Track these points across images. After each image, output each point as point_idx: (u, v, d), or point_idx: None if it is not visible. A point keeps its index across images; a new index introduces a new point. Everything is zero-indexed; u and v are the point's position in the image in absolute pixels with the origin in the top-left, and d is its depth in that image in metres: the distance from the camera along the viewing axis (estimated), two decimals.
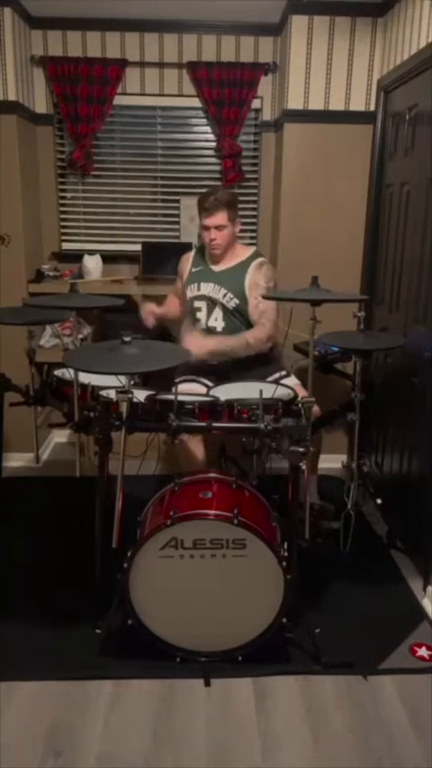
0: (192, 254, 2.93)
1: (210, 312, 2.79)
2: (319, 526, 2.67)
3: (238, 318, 2.77)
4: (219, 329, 2.79)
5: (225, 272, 2.79)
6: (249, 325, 2.78)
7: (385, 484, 3.03)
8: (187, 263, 2.90)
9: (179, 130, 3.62)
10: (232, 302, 2.74)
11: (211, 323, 2.80)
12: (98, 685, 1.98)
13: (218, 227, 2.69)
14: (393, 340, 2.66)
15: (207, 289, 2.78)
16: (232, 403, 2.12)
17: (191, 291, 2.82)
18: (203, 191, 3.35)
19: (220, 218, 2.68)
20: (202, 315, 2.81)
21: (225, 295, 2.74)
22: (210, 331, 2.80)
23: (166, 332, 3.09)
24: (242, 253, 2.83)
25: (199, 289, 2.80)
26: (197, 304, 2.81)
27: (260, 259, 2.81)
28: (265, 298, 2.68)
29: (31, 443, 2.77)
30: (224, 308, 2.76)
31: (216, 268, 2.80)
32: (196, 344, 2.56)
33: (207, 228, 2.71)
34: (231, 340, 2.67)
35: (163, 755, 1.75)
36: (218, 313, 2.78)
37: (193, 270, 2.85)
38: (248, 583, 1.99)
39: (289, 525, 2.08)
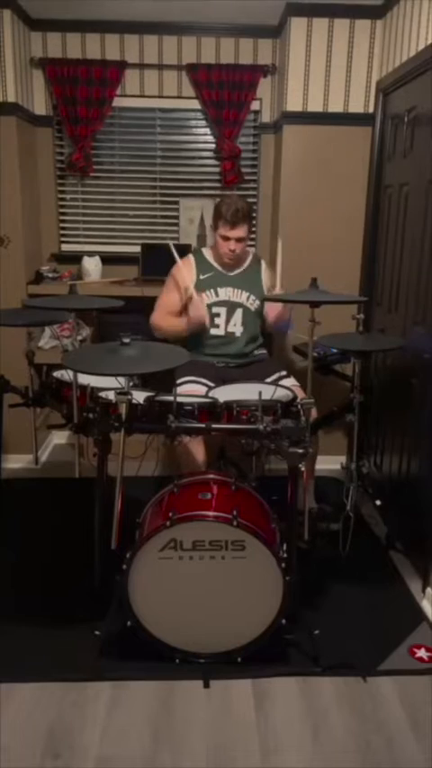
0: (191, 261, 2.84)
1: (229, 317, 2.78)
2: (318, 528, 2.67)
3: (256, 321, 2.80)
4: (238, 334, 2.79)
5: (241, 276, 2.81)
6: (263, 328, 2.83)
7: (384, 485, 3.03)
8: (190, 270, 2.80)
9: (178, 132, 3.62)
10: (255, 303, 2.78)
11: (231, 328, 2.79)
12: (97, 687, 1.98)
13: (239, 239, 2.70)
14: (392, 341, 2.67)
15: (227, 293, 2.77)
16: (231, 404, 2.13)
17: (207, 298, 2.77)
18: (203, 192, 3.37)
19: (242, 230, 2.69)
20: (221, 320, 2.78)
21: (248, 297, 2.77)
22: (228, 336, 2.79)
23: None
24: (245, 255, 2.87)
25: (217, 294, 2.78)
26: (216, 310, 2.78)
27: (263, 261, 2.90)
28: (265, 299, 2.70)
29: (30, 445, 2.77)
30: (245, 311, 2.77)
31: (230, 272, 2.81)
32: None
33: (227, 239, 2.69)
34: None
35: (162, 757, 1.75)
36: (237, 317, 2.78)
37: (203, 276, 2.80)
38: (248, 584, 1.99)
39: (288, 527, 2.08)
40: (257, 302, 2.78)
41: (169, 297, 2.83)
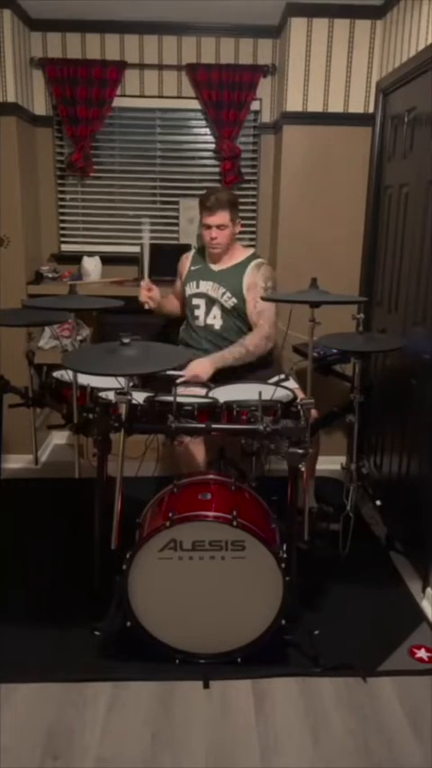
0: (192, 253, 2.96)
1: (208, 310, 2.82)
2: (318, 528, 2.67)
3: (236, 317, 2.79)
4: (216, 327, 2.81)
5: (224, 272, 2.81)
6: (247, 324, 2.80)
7: (384, 486, 3.03)
8: (187, 261, 2.93)
9: (178, 132, 3.62)
10: (230, 301, 2.76)
11: (209, 320, 2.82)
12: (97, 687, 1.98)
13: (219, 227, 2.71)
14: (392, 342, 2.67)
15: (206, 287, 2.81)
16: (231, 404, 2.13)
17: (190, 289, 2.85)
18: (203, 192, 3.36)
19: (222, 217, 2.69)
20: (200, 312, 2.84)
21: (224, 294, 2.77)
22: (208, 328, 2.82)
23: (165, 334, 3.09)
24: (241, 254, 2.85)
25: (198, 287, 2.83)
26: (196, 301, 2.84)
27: (258, 260, 2.83)
28: (263, 299, 2.69)
29: (30, 445, 2.77)
30: (222, 306, 2.78)
31: (215, 267, 2.83)
32: (199, 370, 2.51)
33: (208, 227, 2.72)
34: (232, 352, 2.63)
35: (162, 758, 1.75)
36: (216, 311, 2.80)
37: (192, 268, 2.88)
38: (247, 584, 1.99)
39: (288, 527, 2.08)
40: (234, 300, 2.76)
41: (175, 283, 3.04)
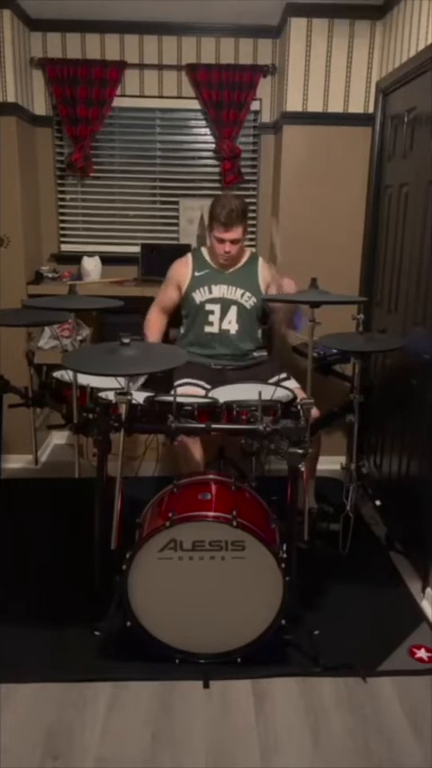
0: (188, 259, 2.86)
1: (223, 314, 2.78)
2: (318, 528, 2.67)
3: (251, 319, 2.79)
4: (232, 332, 2.79)
5: (236, 273, 2.80)
6: (259, 326, 2.83)
7: (384, 486, 3.03)
8: (185, 268, 2.83)
9: (178, 132, 3.62)
10: (251, 301, 2.76)
11: (225, 325, 2.78)
12: (97, 687, 1.98)
13: (234, 241, 2.69)
14: (392, 342, 2.67)
15: (221, 291, 2.78)
16: (231, 404, 2.13)
17: (201, 295, 2.78)
18: (203, 192, 3.36)
19: (237, 232, 2.67)
20: (215, 318, 2.78)
21: (243, 294, 2.76)
22: (223, 334, 2.79)
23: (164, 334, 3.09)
24: (245, 253, 2.86)
25: (211, 291, 2.78)
26: (209, 307, 2.78)
27: (261, 258, 2.89)
28: (265, 300, 2.70)
29: (30, 445, 2.78)
30: (239, 309, 2.77)
31: (225, 270, 2.80)
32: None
33: (222, 241, 2.68)
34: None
35: (161, 758, 1.75)
36: (232, 315, 2.78)
37: (198, 274, 2.81)
38: (247, 584, 1.99)
39: (288, 527, 2.08)
40: (254, 299, 2.77)
41: (165, 293, 2.89)
